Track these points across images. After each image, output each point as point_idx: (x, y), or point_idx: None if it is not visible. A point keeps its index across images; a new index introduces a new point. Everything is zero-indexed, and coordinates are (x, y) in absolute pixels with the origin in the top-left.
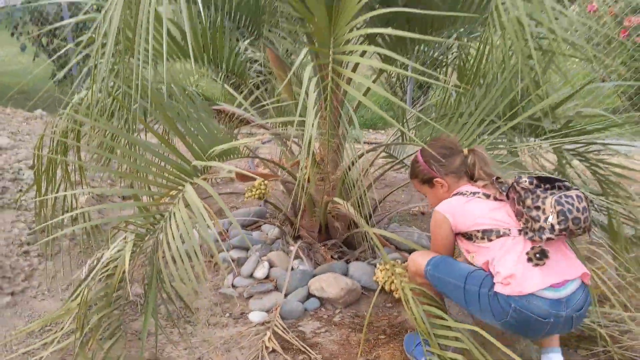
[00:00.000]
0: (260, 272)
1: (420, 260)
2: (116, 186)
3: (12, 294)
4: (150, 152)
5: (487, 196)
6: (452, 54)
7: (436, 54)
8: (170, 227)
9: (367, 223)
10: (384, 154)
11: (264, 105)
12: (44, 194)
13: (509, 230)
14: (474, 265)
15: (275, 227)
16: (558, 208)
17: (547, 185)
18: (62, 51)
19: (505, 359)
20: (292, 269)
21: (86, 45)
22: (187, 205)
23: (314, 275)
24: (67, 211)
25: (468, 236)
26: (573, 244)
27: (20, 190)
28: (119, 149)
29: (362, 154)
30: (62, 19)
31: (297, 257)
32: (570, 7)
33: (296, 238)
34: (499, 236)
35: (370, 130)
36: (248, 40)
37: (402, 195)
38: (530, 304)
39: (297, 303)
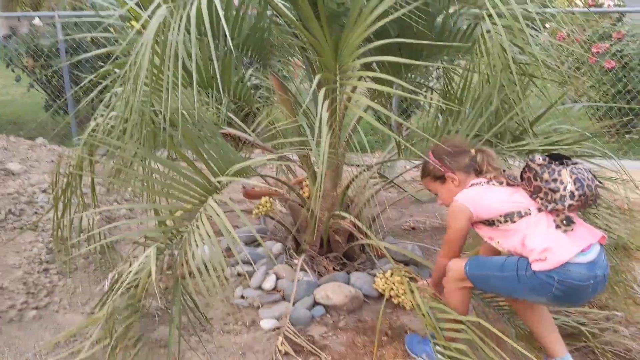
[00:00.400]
0: (268, 284)
1: (457, 265)
2: (123, 208)
3: (37, 308)
4: (176, 171)
5: (501, 183)
6: (438, 79)
7: (424, 79)
8: (195, 240)
9: (366, 236)
10: (375, 174)
11: (268, 129)
12: (60, 216)
13: (529, 209)
14: (502, 253)
15: (276, 242)
16: (574, 176)
17: (558, 162)
18: (84, 82)
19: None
20: (298, 280)
21: (103, 77)
22: (209, 218)
23: (318, 285)
24: (83, 231)
25: (490, 222)
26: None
27: (36, 213)
28: (143, 169)
29: (361, 172)
30: (57, 51)
31: (301, 269)
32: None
33: (299, 252)
34: (520, 217)
35: (359, 152)
36: (253, 69)
37: (393, 213)
38: (571, 272)
39: (305, 310)
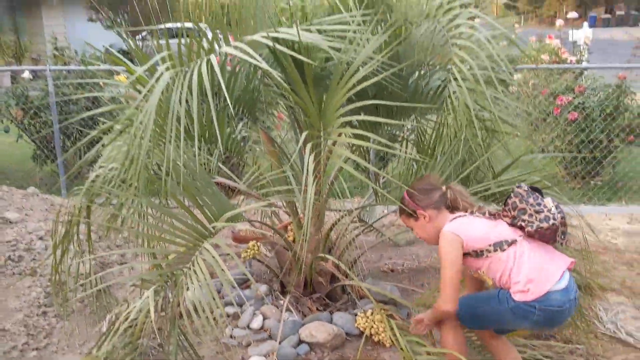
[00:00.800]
0: (256, 324)
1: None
2: (118, 253)
3: (37, 349)
4: (173, 217)
5: (483, 214)
6: (413, 131)
7: (399, 132)
8: (191, 282)
9: (347, 278)
10: (355, 219)
11: (256, 178)
12: (58, 262)
13: (515, 239)
14: (487, 282)
15: (262, 285)
16: (555, 203)
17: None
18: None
19: None
20: (284, 320)
21: (103, 132)
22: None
23: (302, 325)
24: (80, 277)
25: (479, 253)
26: None
27: (34, 259)
28: (139, 215)
29: (342, 217)
30: (48, 104)
31: (287, 309)
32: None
33: (284, 293)
34: (509, 245)
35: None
36: (243, 123)
37: (372, 256)
38: (550, 299)
39: (290, 348)
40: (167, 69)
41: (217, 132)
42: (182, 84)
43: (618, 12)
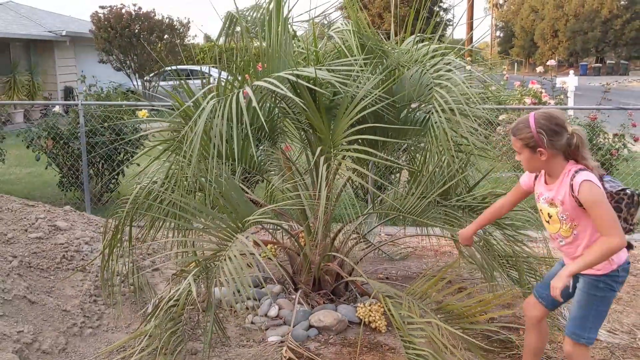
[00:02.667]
0: (273, 312)
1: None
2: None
3: (92, 327)
4: (213, 216)
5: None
6: (405, 158)
7: (394, 158)
8: (227, 267)
9: (350, 276)
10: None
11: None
12: (106, 260)
13: None
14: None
15: (277, 284)
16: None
17: None
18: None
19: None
20: (296, 310)
21: (145, 153)
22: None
23: (312, 313)
24: (124, 274)
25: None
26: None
27: (83, 259)
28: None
29: (345, 225)
30: (75, 135)
31: (298, 302)
32: (498, 128)
33: (296, 290)
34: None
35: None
36: (264, 146)
37: (369, 267)
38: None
39: (302, 331)
40: (211, 98)
41: (237, 152)
42: (222, 112)
43: (609, 62)
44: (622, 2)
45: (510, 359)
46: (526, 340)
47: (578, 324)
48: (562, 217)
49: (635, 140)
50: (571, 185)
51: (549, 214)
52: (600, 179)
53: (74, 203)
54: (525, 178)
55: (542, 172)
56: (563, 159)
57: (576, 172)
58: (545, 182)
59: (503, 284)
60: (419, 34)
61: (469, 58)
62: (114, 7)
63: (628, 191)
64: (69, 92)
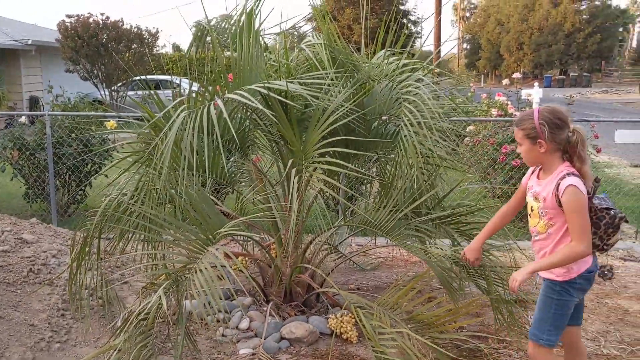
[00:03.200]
0: (244, 324)
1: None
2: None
3: (60, 342)
4: (183, 227)
5: (588, 193)
6: (375, 169)
7: (365, 170)
8: (198, 279)
9: (321, 287)
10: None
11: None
12: (74, 274)
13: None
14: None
15: (248, 296)
16: None
17: None
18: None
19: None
20: (267, 322)
21: (114, 165)
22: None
23: (283, 325)
24: (91, 287)
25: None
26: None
27: (50, 272)
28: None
29: (316, 237)
30: (42, 146)
31: (269, 314)
32: (466, 139)
33: (267, 302)
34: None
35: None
36: (235, 157)
37: (340, 278)
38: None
39: (273, 343)
40: (182, 110)
41: (208, 163)
42: (193, 125)
43: (572, 74)
44: (584, 16)
45: None
46: None
47: (537, 326)
48: (542, 212)
49: (598, 151)
50: (557, 185)
51: (531, 207)
52: (591, 194)
53: (39, 215)
54: (526, 176)
55: (538, 168)
56: (560, 157)
57: (567, 174)
58: (538, 177)
59: (472, 293)
60: (389, 49)
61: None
62: (81, 16)
63: (612, 212)
64: (34, 102)
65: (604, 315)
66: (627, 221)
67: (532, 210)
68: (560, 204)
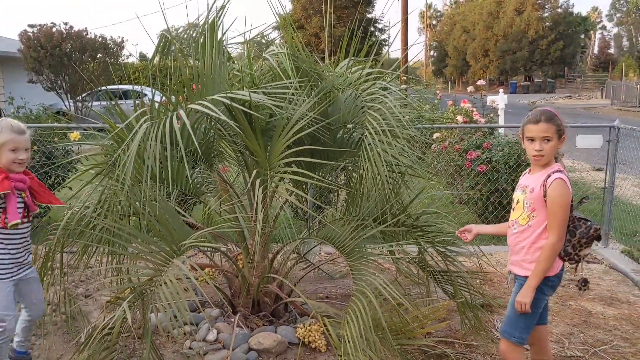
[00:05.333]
0: (211, 337)
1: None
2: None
3: None
4: (147, 240)
5: None
6: (342, 178)
7: (332, 179)
8: (163, 292)
9: (289, 297)
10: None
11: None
12: None
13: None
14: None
15: (215, 308)
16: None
17: None
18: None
19: None
20: (235, 333)
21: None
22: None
23: (251, 336)
24: (53, 304)
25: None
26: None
27: None
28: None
29: (283, 246)
30: None
31: (237, 325)
32: (432, 146)
33: (235, 313)
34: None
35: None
36: (199, 168)
37: (309, 287)
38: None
39: (242, 354)
40: (145, 121)
41: (172, 174)
42: (155, 135)
43: (536, 80)
44: (547, 24)
45: None
46: None
47: (510, 323)
48: (527, 203)
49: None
50: (547, 176)
51: (517, 200)
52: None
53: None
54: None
55: (528, 170)
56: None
57: (560, 171)
58: (529, 172)
59: (438, 298)
60: (353, 57)
61: (404, 78)
62: (44, 26)
63: (590, 223)
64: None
65: (567, 317)
66: (599, 238)
67: (517, 203)
68: (545, 196)
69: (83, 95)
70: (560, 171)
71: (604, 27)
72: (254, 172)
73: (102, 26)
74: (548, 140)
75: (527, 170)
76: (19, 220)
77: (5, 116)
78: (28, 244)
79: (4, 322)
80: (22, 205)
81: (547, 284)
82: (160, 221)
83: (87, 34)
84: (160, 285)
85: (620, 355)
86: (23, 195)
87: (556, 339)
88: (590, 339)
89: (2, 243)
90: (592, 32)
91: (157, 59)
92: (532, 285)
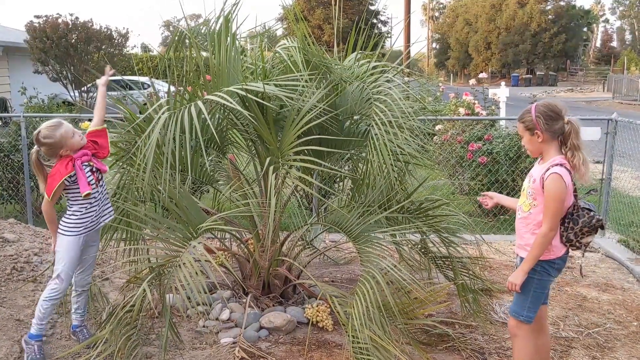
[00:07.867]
0: (224, 316)
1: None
2: (106, 264)
3: (45, 336)
4: (167, 223)
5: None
6: (348, 167)
7: (338, 168)
8: (182, 273)
9: (298, 279)
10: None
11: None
12: None
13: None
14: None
15: (227, 290)
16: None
17: None
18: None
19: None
20: (247, 313)
21: None
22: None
23: (262, 315)
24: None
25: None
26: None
27: (33, 270)
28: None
29: (291, 233)
30: (16, 148)
31: (248, 306)
32: (434, 138)
33: (246, 294)
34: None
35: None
36: (213, 156)
37: (315, 271)
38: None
39: (253, 332)
40: (164, 112)
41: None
42: (175, 124)
43: (538, 73)
44: (550, 17)
45: (447, 351)
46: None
47: (518, 303)
48: (530, 192)
49: None
50: (547, 169)
51: (524, 187)
52: (576, 192)
53: (14, 216)
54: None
55: (540, 158)
56: (557, 148)
57: (559, 164)
58: (539, 162)
59: (440, 282)
60: (360, 51)
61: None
62: (50, 17)
63: (592, 213)
64: (2, 104)
65: (563, 301)
66: (603, 227)
67: (523, 190)
68: (543, 189)
69: (89, 85)
70: (560, 165)
71: (606, 21)
72: (267, 159)
73: (108, 17)
74: (522, 136)
75: (540, 158)
76: (90, 190)
77: (10, 106)
78: (107, 203)
79: (63, 281)
80: (90, 174)
81: (553, 267)
82: (178, 206)
83: (92, 25)
84: (179, 266)
85: (612, 336)
86: (91, 163)
87: (552, 322)
88: (584, 321)
89: (84, 208)
90: (594, 25)
91: (172, 51)
92: (525, 269)
